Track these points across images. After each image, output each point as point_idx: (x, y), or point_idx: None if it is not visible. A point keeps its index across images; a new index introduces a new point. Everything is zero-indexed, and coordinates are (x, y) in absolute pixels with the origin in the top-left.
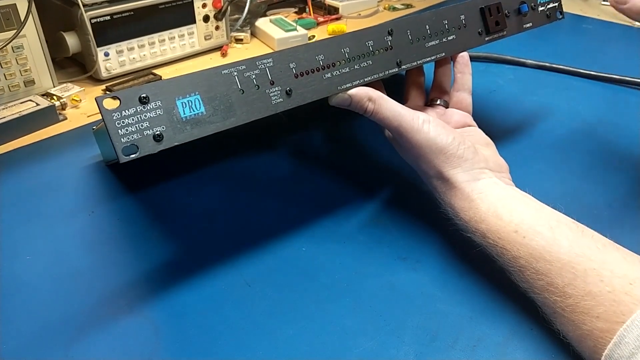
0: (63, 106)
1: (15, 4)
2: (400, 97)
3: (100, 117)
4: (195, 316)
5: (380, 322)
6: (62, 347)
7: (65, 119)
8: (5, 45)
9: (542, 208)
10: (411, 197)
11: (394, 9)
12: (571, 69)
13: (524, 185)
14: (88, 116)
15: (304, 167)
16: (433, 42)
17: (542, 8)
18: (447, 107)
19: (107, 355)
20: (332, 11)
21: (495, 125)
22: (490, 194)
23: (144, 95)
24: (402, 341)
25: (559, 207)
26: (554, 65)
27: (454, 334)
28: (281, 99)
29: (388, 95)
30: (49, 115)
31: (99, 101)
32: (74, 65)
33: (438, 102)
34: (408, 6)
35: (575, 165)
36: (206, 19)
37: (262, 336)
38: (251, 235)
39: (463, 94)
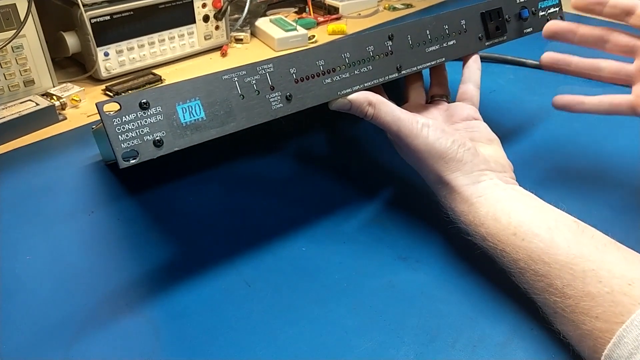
0: (63, 106)
1: (15, 3)
2: (400, 97)
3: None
4: (195, 316)
5: (380, 322)
6: (62, 347)
7: (65, 118)
8: (5, 45)
9: (542, 208)
10: (411, 197)
11: (394, 8)
12: None
13: (525, 185)
14: (88, 116)
15: (304, 168)
16: (433, 47)
17: (543, 13)
18: (448, 102)
19: (107, 356)
20: (332, 11)
21: (496, 125)
22: (490, 197)
23: (145, 100)
24: (402, 341)
25: (560, 207)
26: None
27: (454, 334)
28: (281, 104)
29: (388, 95)
30: (49, 115)
31: (99, 107)
32: (74, 65)
33: (439, 98)
34: (408, 6)
35: (576, 164)
36: (206, 18)
37: (262, 336)
38: (251, 235)
39: (469, 86)
